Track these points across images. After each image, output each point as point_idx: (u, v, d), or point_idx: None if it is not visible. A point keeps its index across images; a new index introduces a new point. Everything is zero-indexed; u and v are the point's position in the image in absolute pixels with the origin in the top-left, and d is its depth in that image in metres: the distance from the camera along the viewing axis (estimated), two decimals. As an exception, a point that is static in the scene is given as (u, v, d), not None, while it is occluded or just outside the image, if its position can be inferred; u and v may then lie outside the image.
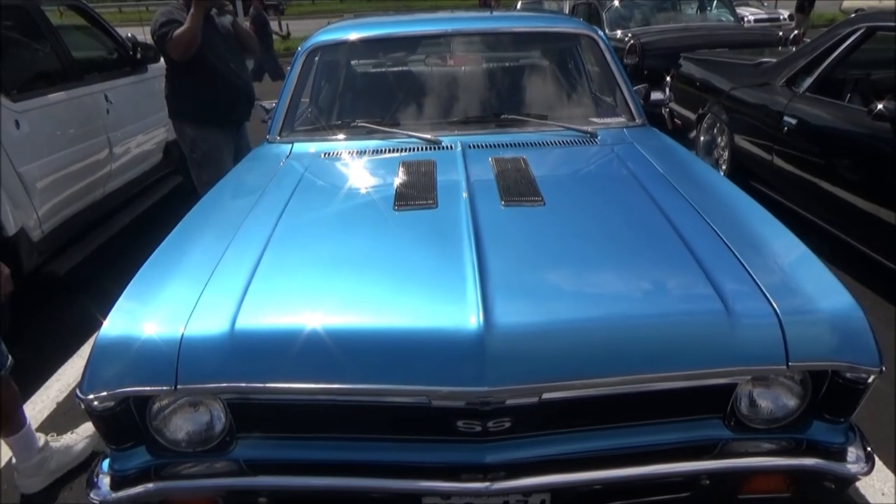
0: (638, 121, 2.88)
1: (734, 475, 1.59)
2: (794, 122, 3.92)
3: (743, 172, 4.53)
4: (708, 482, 1.56)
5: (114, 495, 1.52)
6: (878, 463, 2.19)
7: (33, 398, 2.84)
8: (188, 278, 1.71)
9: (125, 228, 4.20)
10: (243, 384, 1.46)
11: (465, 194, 2.07)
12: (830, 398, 1.55)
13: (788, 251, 1.80)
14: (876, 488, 2.13)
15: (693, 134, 5.46)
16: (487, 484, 1.47)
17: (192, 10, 3.50)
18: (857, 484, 2.11)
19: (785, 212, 3.72)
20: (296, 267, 1.79)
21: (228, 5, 3.85)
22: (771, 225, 1.95)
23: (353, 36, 3.09)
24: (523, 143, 2.61)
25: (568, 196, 2.21)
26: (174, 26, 3.51)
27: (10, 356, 2.12)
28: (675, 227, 1.88)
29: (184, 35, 3.49)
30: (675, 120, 5.88)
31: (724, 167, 4.91)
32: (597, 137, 2.68)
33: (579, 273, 1.72)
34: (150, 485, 1.52)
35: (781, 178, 4.14)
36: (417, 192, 2.14)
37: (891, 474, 2.19)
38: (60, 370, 3.00)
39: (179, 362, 1.46)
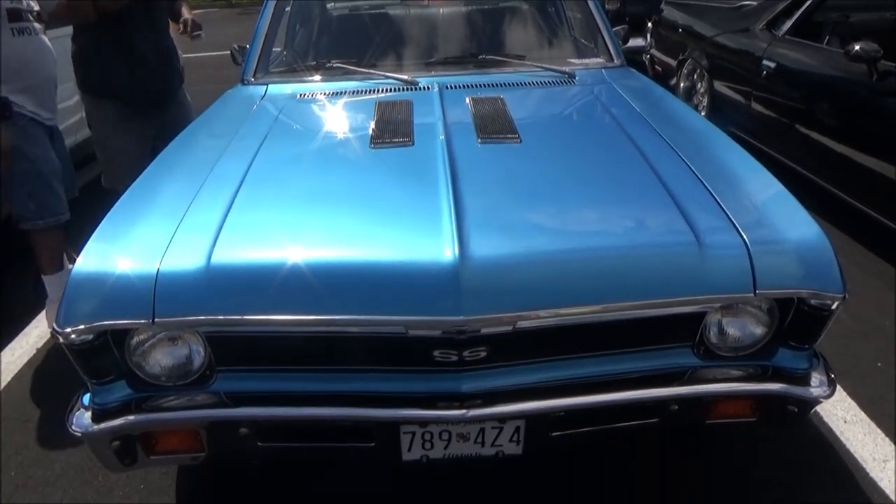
0: (617, 62, 2.87)
1: (702, 401, 1.64)
2: (772, 65, 3.92)
3: (722, 118, 4.54)
4: (677, 408, 1.61)
5: (96, 427, 1.53)
6: (841, 392, 2.28)
7: (12, 344, 2.84)
8: (162, 215, 1.69)
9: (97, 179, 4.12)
10: (221, 317, 1.47)
11: (441, 132, 2.06)
12: (796, 325, 1.60)
13: (759, 184, 1.83)
14: (839, 416, 2.22)
15: (673, 80, 5.44)
16: (464, 411, 1.51)
17: None
18: (820, 412, 2.20)
19: (762, 157, 3.74)
20: (272, 203, 1.78)
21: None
22: (743, 160, 1.97)
23: None
24: (501, 84, 2.59)
25: (545, 133, 2.21)
26: None
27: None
28: (650, 164, 1.89)
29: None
30: (656, 66, 5.85)
31: (703, 114, 4.91)
32: (575, 78, 2.67)
33: (554, 207, 1.73)
34: (132, 417, 1.54)
35: (759, 123, 4.16)
36: (394, 130, 2.12)
37: (853, 402, 2.28)
38: (39, 316, 2.99)
39: (156, 295, 1.46)
